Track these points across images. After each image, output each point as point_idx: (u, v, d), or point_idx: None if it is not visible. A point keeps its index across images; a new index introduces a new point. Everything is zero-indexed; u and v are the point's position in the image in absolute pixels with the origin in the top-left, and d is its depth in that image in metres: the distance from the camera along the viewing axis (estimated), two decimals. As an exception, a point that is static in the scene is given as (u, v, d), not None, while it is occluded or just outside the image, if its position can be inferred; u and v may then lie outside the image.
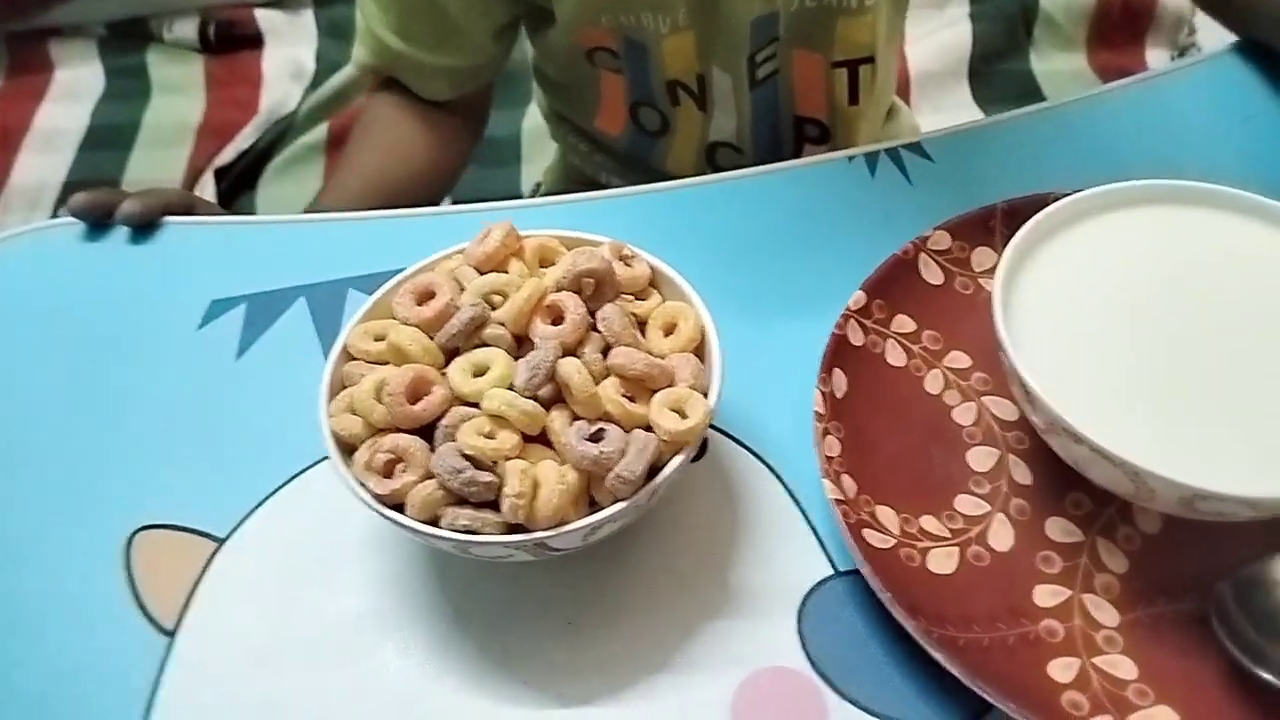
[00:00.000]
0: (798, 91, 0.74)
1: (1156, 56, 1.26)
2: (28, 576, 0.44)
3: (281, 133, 1.25)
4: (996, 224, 0.50)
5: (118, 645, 0.41)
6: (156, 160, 1.28)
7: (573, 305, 0.40)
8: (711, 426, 0.47)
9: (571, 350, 0.39)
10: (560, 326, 0.39)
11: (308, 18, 1.44)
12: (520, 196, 1.15)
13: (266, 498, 0.46)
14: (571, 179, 0.89)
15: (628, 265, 0.43)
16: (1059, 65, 1.24)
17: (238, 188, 1.21)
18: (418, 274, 0.43)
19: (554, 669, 0.40)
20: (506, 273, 0.43)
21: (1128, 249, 0.43)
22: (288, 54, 1.39)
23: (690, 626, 0.41)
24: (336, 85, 1.29)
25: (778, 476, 0.45)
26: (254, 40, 1.42)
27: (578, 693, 0.40)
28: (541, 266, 0.44)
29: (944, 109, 1.19)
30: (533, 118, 1.21)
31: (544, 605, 0.42)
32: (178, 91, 1.37)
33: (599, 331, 0.40)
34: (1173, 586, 0.40)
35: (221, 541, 0.44)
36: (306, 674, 0.41)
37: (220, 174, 1.21)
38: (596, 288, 0.41)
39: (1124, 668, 0.38)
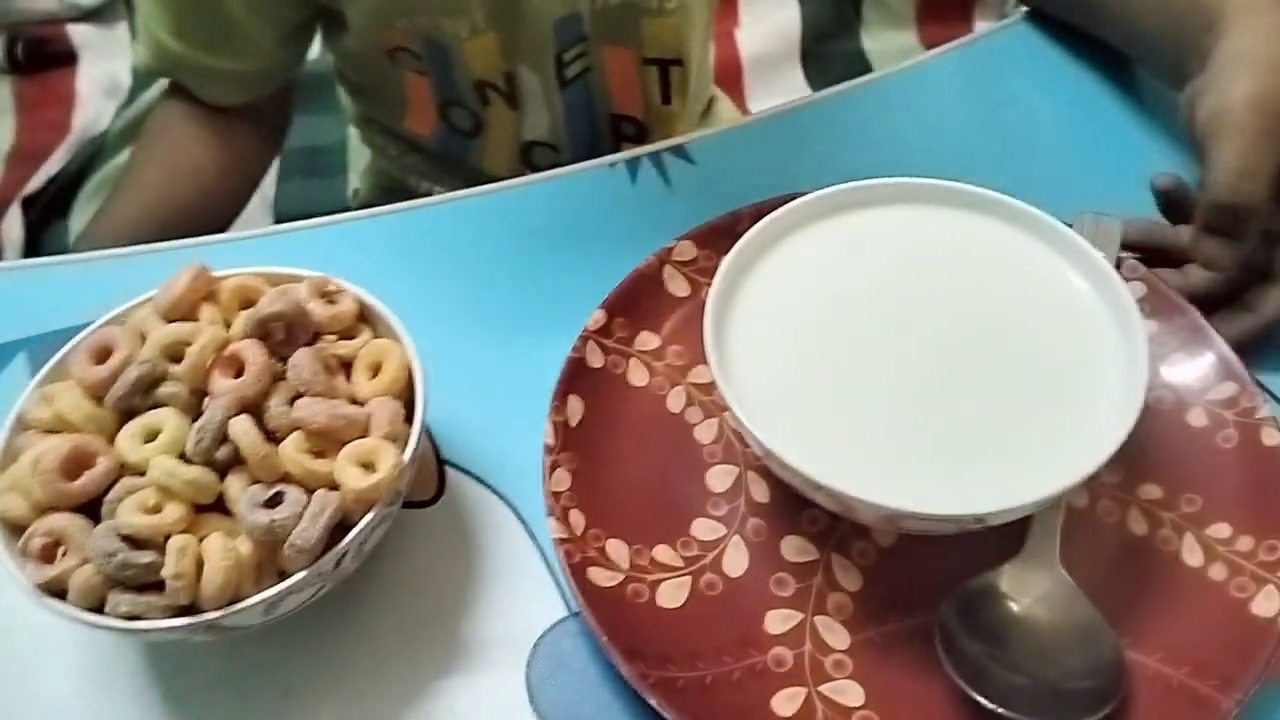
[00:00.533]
0: (611, 89, 0.72)
1: (985, 28, 1.27)
2: None
3: (93, 154, 1.18)
4: (743, 229, 0.48)
5: None
6: (-38, 193, 1.20)
7: (254, 355, 0.37)
8: (450, 465, 0.45)
9: (254, 405, 0.37)
10: (238, 380, 0.37)
11: (122, 30, 1.37)
12: (349, 207, 1.12)
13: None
14: (382, 184, 0.86)
15: (331, 302, 0.40)
16: (890, 43, 1.25)
17: (48, 216, 1.14)
18: (100, 329, 0.40)
19: (271, 744, 0.38)
20: (196, 320, 0.40)
21: (851, 252, 0.42)
22: (102, 69, 1.32)
23: (414, 688, 0.39)
24: (150, 100, 1.22)
25: (517, 514, 0.43)
26: (67, 57, 1.35)
27: (291, 769, 0.37)
28: (243, 309, 0.41)
29: (777, 94, 1.18)
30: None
31: (260, 677, 0.39)
32: (-16, 116, 1.29)
33: (289, 381, 0.38)
34: (905, 601, 0.39)
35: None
36: (-4, 776, 0.37)
37: (28, 203, 1.14)
38: (288, 331, 0.38)
39: (851, 694, 0.37)
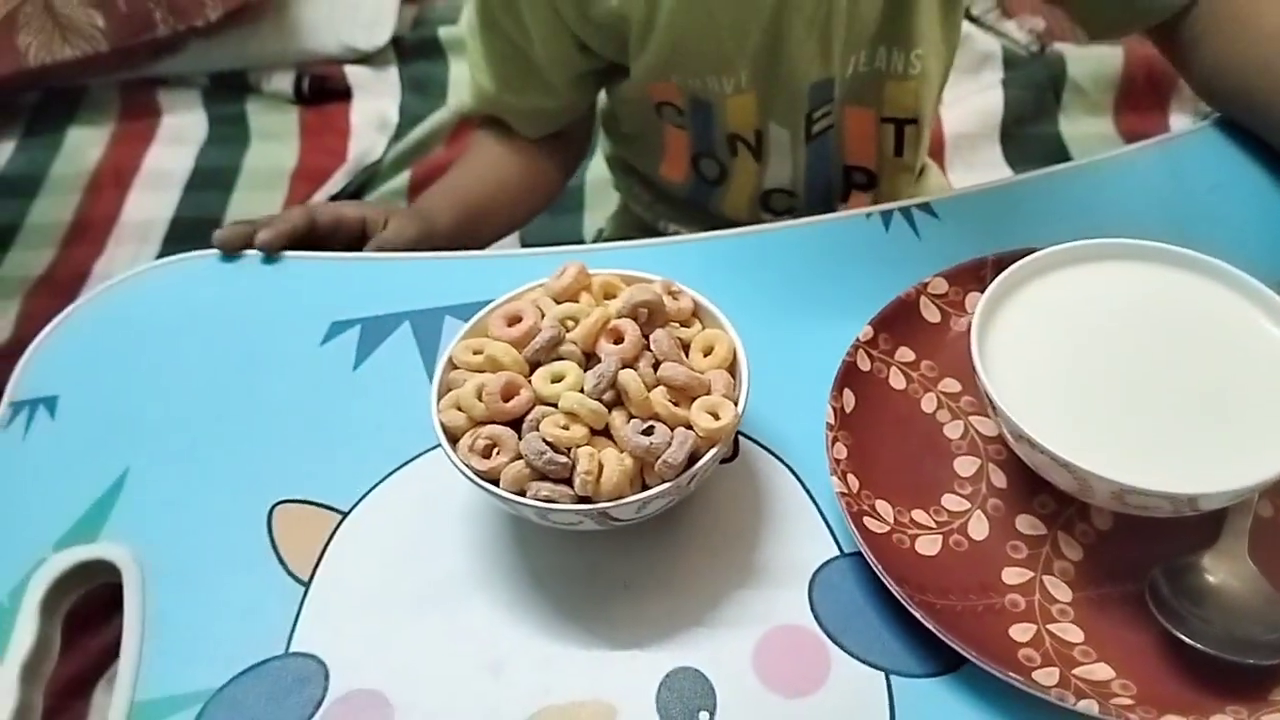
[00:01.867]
0: (849, 144, 0.83)
1: (1180, 121, 1.34)
2: (195, 541, 0.55)
3: (368, 179, 1.38)
4: (987, 273, 0.59)
5: (265, 592, 0.52)
6: (255, 201, 1.41)
7: (630, 329, 0.50)
8: (743, 434, 0.57)
9: (629, 364, 0.49)
10: (620, 345, 0.50)
11: (392, 74, 1.58)
12: (583, 241, 1.27)
13: (381, 480, 0.56)
14: (631, 226, 1.00)
15: (675, 299, 0.53)
16: (1086, 129, 1.33)
17: (329, 227, 1.33)
18: (508, 302, 0.54)
19: (611, 621, 0.50)
20: (578, 302, 0.53)
21: (1086, 294, 0.53)
22: (374, 107, 1.52)
23: (721, 592, 0.51)
24: (418, 136, 1.42)
25: (796, 476, 0.55)
26: (343, 94, 1.56)
27: (629, 640, 0.49)
28: (606, 298, 0.54)
29: (976, 168, 1.29)
30: (595, 170, 1.32)
31: (605, 571, 0.52)
32: (274, 139, 1.51)
33: (651, 350, 0.50)
34: (1117, 572, 0.49)
35: (345, 514, 0.55)
36: (412, 618, 0.51)
37: (313, 214, 1.34)
38: (650, 316, 0.51)
39: (1073, 634, 0.47)
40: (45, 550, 0.55)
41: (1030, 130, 1.33)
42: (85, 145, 1.55)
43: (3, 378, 0.65)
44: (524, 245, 1.27)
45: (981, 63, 1.41)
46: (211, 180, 1.46)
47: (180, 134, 1.56)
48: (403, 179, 1.36)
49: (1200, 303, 0.52)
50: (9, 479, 0.59)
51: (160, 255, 1.34)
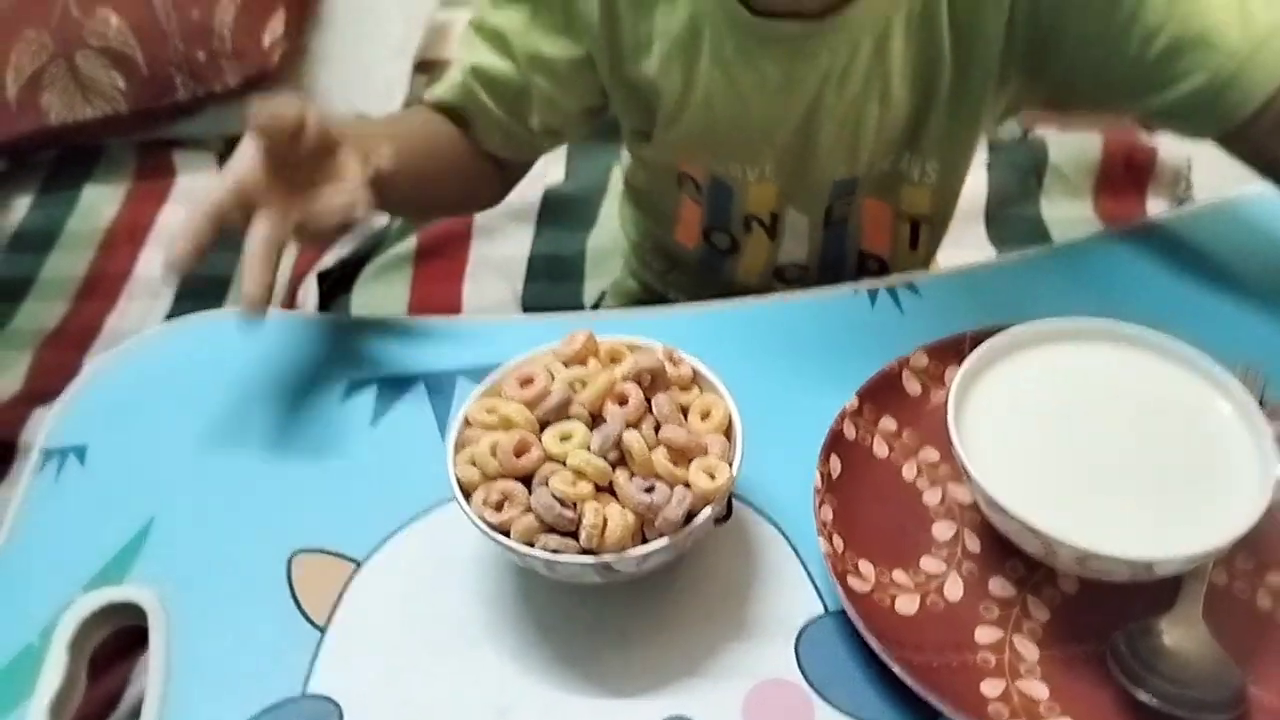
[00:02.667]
0: (866, 232, 0.85)
1: (1156, 206, 1.40)
2: (218, 586, 0.58)
3: (376, 243, 1.42)
4: (965, 348, 0.63)
5: (284, 636, 0.55)
6: (265, 261, 1.45)
7: (634, 393, 0.54)
8: (735, 497, 0.60)
9: (633, 425, 0.53)
10: (625, 408, 0.53)
11: (402, 142, 1.63)
12: (582, 307, 1.31)
13: (395, 531, 0.60)
14: (632, 297, 1.03)
15: (675, 365, 0.57)
16: (1066, 212, 1.38)
17: (337, 289, 1.38)
18: (520, 365, 0.58)
19: (610, 671, 0.53)
20: (586, 366, 0.57)
21: (1057, 370, 0.57)
22: (384, 172, 1.57)
23: (713, 646, 0.54)
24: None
25: (785, 537, 0.58)
26: (354, 159, 1.61)
27: (627, 688, 0.53)
28: (612, 363, 0.58)
29: (962, 246, 1.32)
30: (596, 238, 1.37)
31: (604, 623, 0.55)
32: (285, 201, 1.55)
33: (653, 413, 0.54)
34: (1082, 633, 0.52)
35: (360, 563, 0.58)
36: (424, 663, 0.54)
37: (322, 277, 1.38)
38: (652, 381, 0.55)
39: (1039, 690, 0.50)
40: (74, 591, 0.58)
41: (1013, 211, 1.38)
42: (100, 203, 1.59)
43: (14, 426, 0.68)
44: (525, 310, 1.31)
45: (968, 146, 1.47)
46: (222, 240, 1.50)
47: (194, 194, 1.60)
48: (410, 244, 1.40)
49: (1162, 382, 0.56)
50: (41, 522, 0.62)
51: (171, 311, 1.38)
